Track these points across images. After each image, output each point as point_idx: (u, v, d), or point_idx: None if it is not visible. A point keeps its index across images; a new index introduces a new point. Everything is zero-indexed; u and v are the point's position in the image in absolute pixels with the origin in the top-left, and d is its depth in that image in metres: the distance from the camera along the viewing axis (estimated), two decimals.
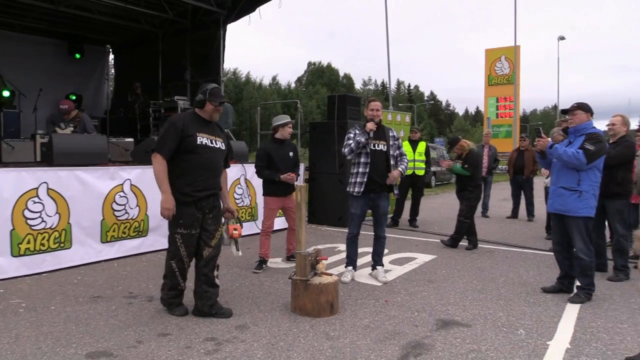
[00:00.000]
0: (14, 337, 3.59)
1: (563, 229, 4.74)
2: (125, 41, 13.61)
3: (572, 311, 4.32)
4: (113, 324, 3.91)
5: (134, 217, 6.37)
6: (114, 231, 6.15)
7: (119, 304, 4.42)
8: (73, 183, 5.73)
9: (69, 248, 5.66)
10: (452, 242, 7.08)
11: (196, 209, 3.93)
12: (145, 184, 6.42)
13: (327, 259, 4.71)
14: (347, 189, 5.27)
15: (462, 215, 7.01)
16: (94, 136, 7.55)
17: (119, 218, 6.19)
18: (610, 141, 5.32)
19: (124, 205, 6.25)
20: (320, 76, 78.34)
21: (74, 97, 11.64)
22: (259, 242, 5.80)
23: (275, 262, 6.10)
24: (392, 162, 5.21)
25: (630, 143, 5.47)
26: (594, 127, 4.68)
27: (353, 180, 5.20)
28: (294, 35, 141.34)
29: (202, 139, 3.91)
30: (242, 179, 7.85)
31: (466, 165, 6.92)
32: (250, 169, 7.93)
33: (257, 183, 7.95)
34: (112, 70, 15.43)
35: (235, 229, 4.21)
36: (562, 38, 35.62)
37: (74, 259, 5.69)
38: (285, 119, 5.89)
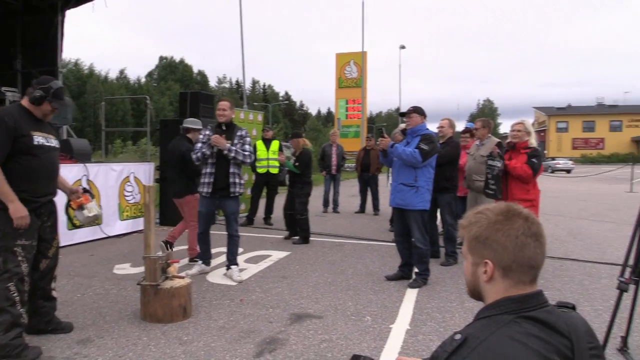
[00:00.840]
0: None
1: (403, 222, 5.18)
2: None
3: (411, 295, 4.75)
4: None
5: None
6: None
7: None
8: None
9: None
10: (303, 240, 7.30)
11: (35, 216, 3.40)
12: None
13: (179, 262, 4.55)
14: (198, 189, 5.32)
15: (297, 212, 7.32)
16: None
17: None
18: (440, 142, 5.97)
19: None
20: (172, 72, 75.21)
21: None
22: (105, 247, 5.41)
23: (123, 267, 5.72)
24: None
25: (456, 143, 6.24)
26: (428, 129, 5.22)
27: (202, 180, 5.22)
28: (145, 27, 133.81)
29: (38, 139, 3.41)
30: (83, 180, 7.21)
31: (297, 164, 7.23)
32: (93, 169, 7.34)
33: (102, 185, 7.44)
34: None
35: (78, 198, 3.90)
36: (402, 47, 38.82)
37: None
38: (192, 124, 6.22)
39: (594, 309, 4.37)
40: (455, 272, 5.65)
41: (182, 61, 77.86)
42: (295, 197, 7.36)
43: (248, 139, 5.37)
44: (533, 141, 5.25)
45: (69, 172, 6.95)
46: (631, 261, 3.08)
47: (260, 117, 10.83)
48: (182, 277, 4.22)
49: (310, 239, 7.42)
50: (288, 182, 7.64)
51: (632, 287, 3.09)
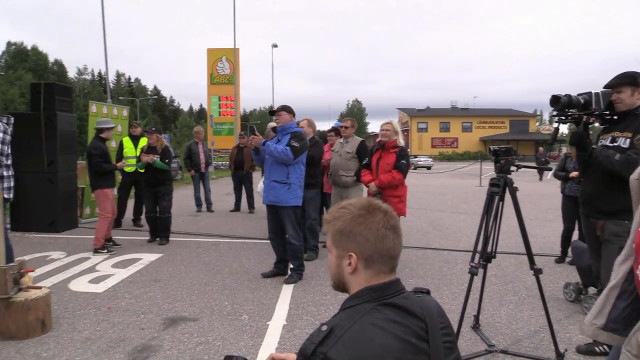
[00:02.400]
0: None
1: (277, 218, 5.25)
2: None
3: (287, 291, 4.84)
4: None
5: None
6: None
7: None
8: None
9: None
10: (167, 239, 7.12)
11: None
12: None
13: (34, 271, 4.14)
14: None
15: (166, 211, 7.10)
16: None
17: None
18: None
19: None
20: (23, 59, 67.49)
21: None
22: None
23: None
24: None
25: (320, 142, 6.50)
26: (297, 127, 5.35)
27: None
28: None
29: None
30: None
31: (166, 160, 6.99)
32: None
33: None
34: None
35: None
36: (275, 46, 39.18)
37: None
38: (104, 124, 6.83)
39: (451, 292, 4.83)
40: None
41: (34, 48, 70.26)
42: (163, 196, 7.05)
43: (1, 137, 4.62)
44: (401, 140, 5.62)
45: None
46: (479, 248, 3.46)
47: (125, 112, 10.22)
48: (39, 288, 3.84)
49: (184, 239, 7.19)
50: (145, 184, 7.25)
51: (481, 271, 3.47)
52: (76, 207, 8.64)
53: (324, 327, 1.20)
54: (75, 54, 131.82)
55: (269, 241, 5.69)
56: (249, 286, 5.00)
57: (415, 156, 43.97)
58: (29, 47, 70.10)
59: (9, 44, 70.00)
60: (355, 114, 78.01)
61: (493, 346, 3.40)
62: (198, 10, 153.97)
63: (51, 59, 71.30)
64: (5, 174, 4.59)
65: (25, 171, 7.86)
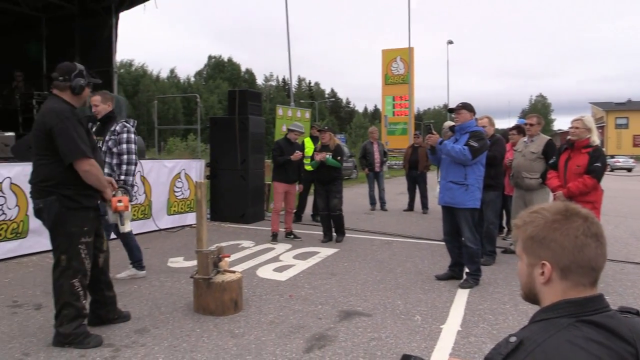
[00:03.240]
0: None
1: (452, 220, 5.08)
2: (2, 25, 12.34)
3: (462, 296, 4.65)
4: None
5: (12, 218, 5.82)
6: None
7: (2, 313, 4.02)
8: None
9: None
10: (343, 235, 7.28)
11: (95, 212, 3.55)
12: (26, 183, 5.88)
13: (229, 256, 4.64)
14: None
15: (337, 209, 7.17)
16: None
17: None
18: None
19: (1, 205, 5.70)
20: (221, 70, 76.72)
21: None
22: (159, 241, 5.58)
23: (176, 261, 5.90)
24: (108, 159, 4.75)
25: (502, 141, 6.07)
26: (477, 126, 5.09)
27: None
28: (194, 26, 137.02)
29: (92, 133, 3.58)
30: (137, 176, 7.47)
31: (338, 157, 7.07)
32: (147, 165, 7.62)
33: (153, 180, 7.71)
34: None
35: (119, 201, 3.61)
36: (450, 42, 38.08)
37: None
38: (293, 127, 7.46)
39: None
40: (508, 273, 5.49)
41: (230, 60, 79.31)
42: (334, 194, 7.15)
43: (125, 136, 4.75)
44: (595, 139, 4.98)
45: None
46: None
47: (307, 115, 10.90)
48: (233, 272, 4.30)
49: (359, 236, 7.39)
50: (317, 182, 7.52)
51: None
52: (263, 201, 9.50)
53: (513, 339, 1.12)
54: (262, 62, 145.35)
55: (443, 243, 5.55)
56: (422, 287, 4.93)
57: (613, 156, 38.84)
58: (225, 59, 79.28)
59: (209, 57, 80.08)
60: (539, 110, 71.70)
61: None
62: (372, 12, 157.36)
63: (243, 68, 79.63)
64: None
65: (222, 168, 8.91)
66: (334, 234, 7.29)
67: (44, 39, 11.39)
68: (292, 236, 7.32)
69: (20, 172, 5.85)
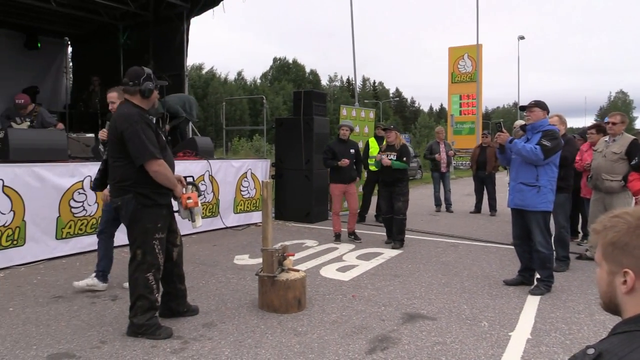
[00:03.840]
0: None
1: (523, 223, 4.87)
2: (84, 33, 13.20)
3: (532, 303, 4.45)
4: (75, 324, 3.80)
5: (92, 214, 6.21)
6: (69, 228, 5.98)
7: (81, 303, 4.30)
8: (30, 179, 5.54)
9: (22, 245, 5.49)
10: (401, 244, 6.84)
11: (167, 209, 3.72)
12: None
13: (294, 255, 4.71)
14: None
15: (401, 212, 6.81)
16: (52, 131, 7.30)
17: (75, 215, 6.03)
18: None
19: (83, 202, 6.09)
20: (286, 72, 77.96)
21: (32, 89, 11.21)
22: (226, 239, 5.75)
23: (242, 258, 6.06)
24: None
25: (574, 141, 5.74)
26: (550, 124, 4.84)
27: None
28: (259, 29, 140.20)
29: (160, 134, 3.69)
30: (206, 176, 7.75)
31: (404, 158, 6.78)
32: (215, 165, 7.88)
33: (221, 180, 7.96)
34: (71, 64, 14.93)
35: (189, 198, 3.73)
36: (522, 38, 36.62)
37: (27, 257, 5.51)
38: (343, 122, 7.48)
39: None
40: (583, 280, 5.20)
41: (295, 61, 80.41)
42: (398, 196, 6.80)
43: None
44: None
45: (195, 168, 7.53)
46: None
47: (372, 115, 10.84)
48: (298, 271, 4.35)
49: (423, 238, 7.26)
50: (380, 183, 7.29)
51: None
52: (327, 201, 9.55)
53: (591, 351, 1.05)
54: (327, 63, 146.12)
55: (512, 247, 5.34)
56: (490, 292, 4.76)
57: None
58: (290, 61, 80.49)
59: (274, 59, 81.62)
60: (620, 107, 67.21)
61: None
62: (438, 9, 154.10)
63: (307, 69, 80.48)
64: None
65: (287, 168, 9.05)
66: (393, 239, 6.95)
67: (121, 46, 12.06)
68: (352, 237, 7.19)
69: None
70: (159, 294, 3.67)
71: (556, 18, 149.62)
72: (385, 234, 7.21)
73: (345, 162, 6.94)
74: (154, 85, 3.60)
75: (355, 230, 7.27)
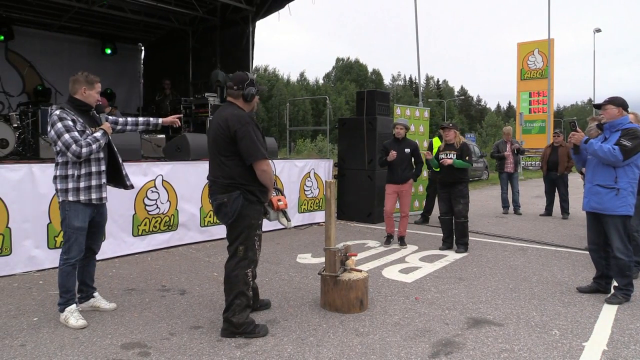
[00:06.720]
0: (52, 327, 3.71)
1: (599, 228, 4.60)
2: (156, 39, 13.86)
3: (609, 312, 4.19)
4: (147, 316, 4.00)
5: (164, 212, 6.49)
6: (145, 225, 6.28)
7: (153, 296, 4.51)
8: None
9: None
10: (465, 248, 6.56)
11: (263, 208, 3.80)
12: (176, 180, 6.56)
13: (356, 255, 4.69)
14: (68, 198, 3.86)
15: (462, 215, 6.58)
16: (127, 133, 7.70)
17: (150, 212, 6.32)
18: None
19: (155, 200, 6.38)
20: (348, 72, 78.06)
21: (109, 92, 11.91)
22: (289, 237, 5.82)
23: (305, 257, 6.12)
24: None
25: None
26: (631, 123, 4.53)
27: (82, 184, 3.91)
28: (322, 31, 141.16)
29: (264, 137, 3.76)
30: None
31: (467, 157, 6.52)
32: (279, 165, 8.00)
33: (285, 179, 8.07)
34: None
35: (279, 200, 3.90)
36: (598, 30, 34.50)
37: (107, 252, 5.83)
38: (398, 121, 7.04)
39: None
40: None
41: (357, 61, 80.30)
42: (457, 198, 6.55)
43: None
44: None
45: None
46: None
47: (426, 114, 10.46)
48: (360, 271, 4.34)
49: (490, 240, 7.02)
50: (439, 183, 6.99)
51: None
52: None
53: None
54: (389, 63, 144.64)
55: (586, 252, 5.05)
56: (561, 299, 4.53)
57: None
58: (352, 61, 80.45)
59: (337, 59, 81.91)
60: None
61: None
62: (506, 4, 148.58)
63: (370, 69, 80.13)
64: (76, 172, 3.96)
65: (350, 168, 9.06)
66: (455, 243, 6.71)
67: (190, 49, 12.56)
68: (399, 242, 6.84)
69: (171, 170, 6.53)
70: (252, 290, 3.71)
71: (638, 8, 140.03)
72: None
73: (392, 154, 6.64)
74: (256, 90, 3.72)
75: (416, 232, 7.08)
